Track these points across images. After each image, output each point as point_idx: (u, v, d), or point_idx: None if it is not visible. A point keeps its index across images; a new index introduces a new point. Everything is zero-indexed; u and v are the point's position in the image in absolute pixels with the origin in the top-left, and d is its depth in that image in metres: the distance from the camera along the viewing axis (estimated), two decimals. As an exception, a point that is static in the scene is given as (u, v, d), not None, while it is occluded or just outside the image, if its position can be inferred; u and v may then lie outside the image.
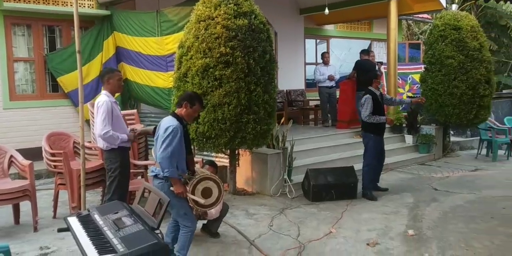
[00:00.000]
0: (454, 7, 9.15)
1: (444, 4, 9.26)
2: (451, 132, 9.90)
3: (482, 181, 7.06)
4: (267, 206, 5.74)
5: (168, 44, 7.25)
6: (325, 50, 11.71)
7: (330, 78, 9.26)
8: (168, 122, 3.60)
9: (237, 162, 6.32)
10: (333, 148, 7.83)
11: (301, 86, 11.46)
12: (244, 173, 6.49)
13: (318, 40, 12.33)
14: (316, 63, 11.35)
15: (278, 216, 5.34)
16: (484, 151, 9.23)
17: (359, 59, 8.77)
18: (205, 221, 4.60)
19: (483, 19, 15.59)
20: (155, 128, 3.87)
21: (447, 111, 8.45)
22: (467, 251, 4.27)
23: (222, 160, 6.52)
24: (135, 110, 6.70)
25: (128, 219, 2.92)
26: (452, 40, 8.32)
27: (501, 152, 9.22)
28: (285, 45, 10.66)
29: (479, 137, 9.43)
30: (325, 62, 9.60)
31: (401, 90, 10.99)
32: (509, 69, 16.36)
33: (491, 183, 6.93)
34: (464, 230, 4.84)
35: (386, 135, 8.79)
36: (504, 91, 14.18)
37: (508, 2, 13.94)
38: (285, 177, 6.30)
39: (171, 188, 3.58)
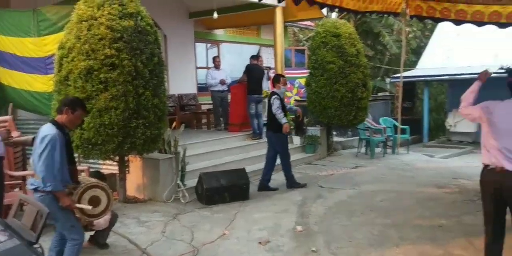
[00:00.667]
0: (334, 15, 9.81)
1: (324, 13, 9.87)
2: (334, 133, 10.56)
3: (362, 177, 7.64)
4: (159, 212, 5.62)
5: (47, 45, 6.74)
6: (216, 54, 11.82)
7: (222, 82, 9.36)
8: (45, 131, 3.32)
9: (127, 169, 6.11)
10: (226, 151, 7.92)
11: (193, 90, 11.42)
12: (134, 180, 6.29)
13: (209, 45, 12.40)
14: (208, 67, 11.41)
15: (171, 222, 5.26)
16: (363, 150, 10.01)
17: (249, 63, 8.99)
18: (92, 232, 4.36)
19: (361, 27, 16.96)
20: (34, 138, 3.57)
21: (330, 113, 9.00)
22: (350, 242, 4.58)
23: (110, 167, 6.26)
24: (9, 117, 6.13)
25: (2, 234, 2.66)
26: (333, 46, 8.90)
27: (377, 150, 10.06)
28: (175, 48, 10.56)
29: (358, 137, 10.21)
30: (216, 66, 9.69)
31: (289, 94, 11.50)
32: (383, 74, 17.96)
33: (369, 179, 7.53)
34: (347, 223, 5.19)
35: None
36: (379, 94, 15.55)
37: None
38: (178, 182, 6.22)
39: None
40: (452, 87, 15.42)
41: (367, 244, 4.54)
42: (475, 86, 3.48)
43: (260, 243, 4.58)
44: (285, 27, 11.75)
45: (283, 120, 6.62)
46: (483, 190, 3.38)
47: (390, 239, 4.64)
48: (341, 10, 5.47)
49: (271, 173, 6.79)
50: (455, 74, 13.25)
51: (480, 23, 6.89)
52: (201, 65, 11.90)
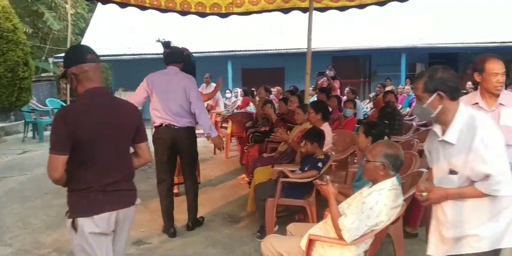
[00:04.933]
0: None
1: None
2: (-5, 118, 9.49)
3: (32, 162, 7.24)
4: None
5: None
6: None
7: None
8: None
9: None
10: None
11: None
12: None
13: None
14: None
15: None
16: (30, 134, 9.36)
17: None
18: None
19: (17, 3, 15.43)
20: None
21: (-12, 95, 8.05)
22: (25, 229, 4.32)
23: None
24: None
25: None
26: (-17, 19, 7.89)
27: (47, 133, 9.59)
28: None
29: (24, 120, 9.46)
30: None
31: None
32: (46, 54, 17.04)
33: (41, 162, 7.17)
34: (20, 210, 4.87)
35: None
36: (43, 75, 14.73)
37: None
38: None
39: None
40: (114, 68, 15.95)
41: (45, 227, 4.38)
42: None
43: None
44: None
45: None
46: (159, 143, 3.89)
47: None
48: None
49: None
50: (117, 55, 13.73)
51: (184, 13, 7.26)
52: None
